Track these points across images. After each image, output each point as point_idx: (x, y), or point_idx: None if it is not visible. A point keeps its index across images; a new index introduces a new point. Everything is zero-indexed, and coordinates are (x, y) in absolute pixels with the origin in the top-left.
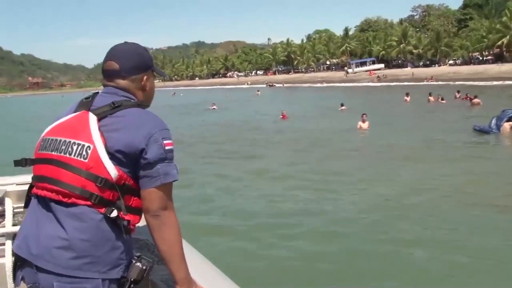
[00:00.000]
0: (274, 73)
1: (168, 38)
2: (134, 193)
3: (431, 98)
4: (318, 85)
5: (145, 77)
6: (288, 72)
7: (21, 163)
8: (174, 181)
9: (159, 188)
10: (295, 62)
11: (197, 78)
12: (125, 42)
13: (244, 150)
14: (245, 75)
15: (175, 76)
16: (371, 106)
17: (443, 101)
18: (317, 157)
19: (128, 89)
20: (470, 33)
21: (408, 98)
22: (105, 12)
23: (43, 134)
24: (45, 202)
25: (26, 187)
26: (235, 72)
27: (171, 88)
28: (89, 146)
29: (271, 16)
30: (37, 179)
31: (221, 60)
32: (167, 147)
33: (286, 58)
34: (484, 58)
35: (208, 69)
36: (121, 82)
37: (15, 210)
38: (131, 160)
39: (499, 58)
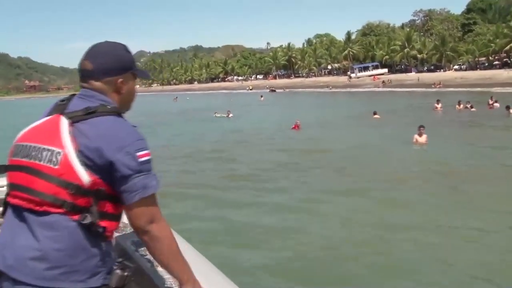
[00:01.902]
0: (275, 78)
1: (166, 42)
2: (110, 198)
3: (458, 107)
4: (323, 90)
5: (120, 80)
6: (288, 76)
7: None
8: (154, 193)
9: (140, 203)
10: (296, 67)
11: (196, 82)
12: (106, 42)
13: (272, 174)
14: (245, 80)
15: (174, 80)
16: (399, 114)
17: (473, 109)
18: (371, 183)
19: (103, 91)
20: (476, 37)
21: (439, 106)
22: (102, 15)
23: (15, 140)
24: (18, 211)
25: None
26: (235, 76)
27: (172, 93)
28: (59, 152)
29: (269, 20)
30: (10, 187)
31: (221, 64)
32: (141, 159)
33: (286, 63)
34: (493, 63)
35: (207, 73)
36: (95, 84)
37: None
38: (102, 170)
39: (506, 63)
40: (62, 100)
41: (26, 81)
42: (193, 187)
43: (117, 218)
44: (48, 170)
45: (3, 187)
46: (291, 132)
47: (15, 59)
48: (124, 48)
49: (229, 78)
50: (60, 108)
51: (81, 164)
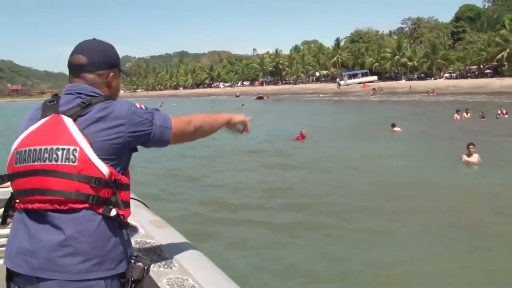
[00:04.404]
0: (261, 84)
1: (151, 48)
2: (123, 187)
3: (466, 115)
4: (313, 97)
5: (111, 74)
6: (276, 83)
7: None
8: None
9: (173, 133)
10: (284, 73)
11: (181, 88)
12: (94, 39)
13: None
14: (231, 86)
15: (159, 86)
16: (414, 125)
17: (484, 119)
18: (423, 219)
19: (95, 84)
20: (467, 45)
21: (458, 116)
22: (88, 20)
23: (14, 147)
24: (38, 215)
25: None
26: (221, 82)
27: (157, 98)
28: (75, 149)
29: (256, 27)
30: (24, 193)
31: (206, 70)
32: (142, 108)
33: (274, 69)
34: (484, 71)
35: (192, 79)
36: (88, 76)
37: None
38: (117, 147)
39: (496, 72)
40: (51, 101)
41: (9, 85)
42: (202, 204)
43: (129, 205)
44: (67, 168)
45: None
46: (297, 144)
47: None
48: (112, 46)
49: (215, 84)
50: (52, 108)
51: (97, 157)
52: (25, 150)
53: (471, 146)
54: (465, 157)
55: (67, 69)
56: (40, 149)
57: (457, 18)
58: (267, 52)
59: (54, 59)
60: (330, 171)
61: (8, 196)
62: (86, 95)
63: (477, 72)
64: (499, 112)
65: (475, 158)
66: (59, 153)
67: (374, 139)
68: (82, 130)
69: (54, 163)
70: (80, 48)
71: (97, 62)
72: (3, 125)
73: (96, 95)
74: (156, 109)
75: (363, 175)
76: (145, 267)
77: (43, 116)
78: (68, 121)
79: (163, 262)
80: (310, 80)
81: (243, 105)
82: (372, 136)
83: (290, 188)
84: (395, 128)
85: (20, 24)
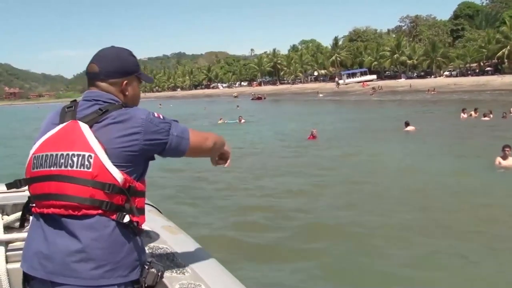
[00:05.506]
0: (260, 84)
1: (148, 49)
2: (138, 194)
3: (475, 114)
4: (313, 97)
5: (125, 82)
6: (274, 83)
7: (16, 185)
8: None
9: (191, 145)
10: (282, 73)
11: (179, 89)
12: (112, 46)
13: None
14: (229, 86)
15: (156, 87)
16: (424, 124)
17: (486, 118)
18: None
19: (109, 92)
20: (467, 43)
21: (465, 115)
22: (84, 23)
23: (32, 152)
24: (53, 219)
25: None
26: (219, 83)
27: (155, 100)
28: (90, 155)
29: (253, 27)
30: (40, 198)
31: (204, 71)
32: (160, 117)
33: (272, 69)
34: (484, 69)
35: (190, 80)
36: (101, 84)
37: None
38: (134, 155)
39: (497, 69)
40: (69, 107)
41: (6, 88)
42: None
43: (144, 212)
44: (82, 174)
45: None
46: (310, 143)
47: None
48: (129, 53)
49: (213, 85)
50: (70, 115)
51: (112, 163)
52: (42, 155)
53: (507, 149)
54: (499, 160)
55: (64, 72)
56: (57, 155)
57: (455, 16)
58: (265, 52)
59: (52, 62)
60: (353, 172)
61: (25, 200)
62: (104, 101)
63: (477, 70)
64: (511, 110)
65: (510, 161)
66: (75, 159)
67: (389, 139)
68: (98, 136)
69: (69, 168)
70: (95, 57)
71: (108, 71)
72: (3, 129)
73: (114, 102)
74: (175, 120)
75: (389, 178)
76: (159, 274)
77: (61, 122)
78: (84, 127)
79: (175, 268)
80: (309, 79)
81: (238, 106)
82: (385, 136)
83: (318, 192)
84: (408, 128)
85: (17, 27)
